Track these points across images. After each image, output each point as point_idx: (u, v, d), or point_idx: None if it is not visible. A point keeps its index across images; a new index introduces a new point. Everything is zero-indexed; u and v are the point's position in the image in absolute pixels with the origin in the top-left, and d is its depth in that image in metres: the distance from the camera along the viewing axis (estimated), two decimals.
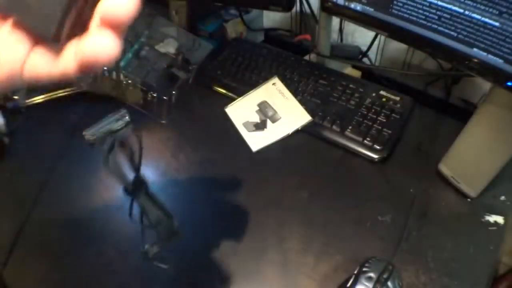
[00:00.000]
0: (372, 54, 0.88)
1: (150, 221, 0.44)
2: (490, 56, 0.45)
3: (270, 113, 0.70)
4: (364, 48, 0.85)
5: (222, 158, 0.65)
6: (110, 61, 0.23)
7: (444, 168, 0.59)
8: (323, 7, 0.64)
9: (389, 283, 0.44)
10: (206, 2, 0.88)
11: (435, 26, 0.50)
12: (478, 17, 0.44)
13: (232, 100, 0.73)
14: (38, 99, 0.74)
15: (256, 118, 0.70)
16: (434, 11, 0.49)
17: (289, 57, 0.78)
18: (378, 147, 0.62)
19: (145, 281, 0.51)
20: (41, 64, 0.26)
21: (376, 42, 0.83)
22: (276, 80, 0.73)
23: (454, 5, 0.46)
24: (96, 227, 0.57)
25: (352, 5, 0.59)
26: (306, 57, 0.81)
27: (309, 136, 0.67)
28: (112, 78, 0.71)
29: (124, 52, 0.76)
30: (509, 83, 0.44)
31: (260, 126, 0.69)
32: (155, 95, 0.72)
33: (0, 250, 0.53)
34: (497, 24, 0.43)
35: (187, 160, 0.66)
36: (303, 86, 0.72)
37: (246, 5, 0.86)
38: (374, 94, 0.69)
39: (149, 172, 0.64)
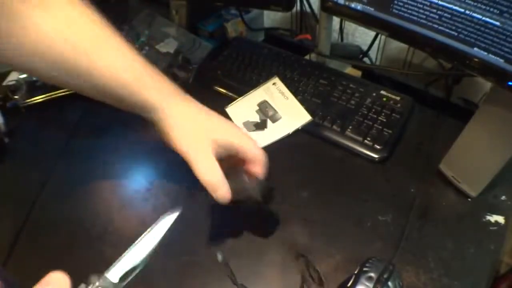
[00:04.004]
0: (372, 53, 0.89)
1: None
2: (491, 55, 0.45)
3: (270, 113, 0.70)
4: (364, 48, 0.85)
5: None
6: None
7: (445, 167, 0.59)
8: (323, 6, 0.64)
9: (389, 283, 0.43)
10: (206, 2, 0.88)
11: (436, 26, 0.50)
12: (479, 16, 0.44)
13: (232, 99, 0.73)
14: (38, 99, 0.74)
15: (256, 118, 0.70)
16: (434, 10, 0.49)
17: (290, 57, 0.78)
18: (378, 147, 0.62)
19: (146, 280, 0.51)
20: None
21: (376, 42, 0.83)
22: (276, 79, 0.73)
23: (455, 5, 0.46)
24: (96, 227, 0.57)
25: (353, 5, 0.59)
26: (307, 57, 0.81)
27: (310, 136, 0.67)
28: None
29: None
30: (510, 83, 0.44)
31: (260, 125, 0.69)
32: None
33: (0, 250, 0.53)
34: (497, 23, 0.43)
35: None
36: (303, 85, 0.72)
37: (246, 5, 0.86)
38: (374, 94, 0.69)
39: (149, 172, 0.64)
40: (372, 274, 0.44)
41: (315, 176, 0.62)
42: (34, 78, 0.72)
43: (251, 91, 0.73)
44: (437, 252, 0.51)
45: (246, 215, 0.57)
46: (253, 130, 0.68)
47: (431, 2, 0.49)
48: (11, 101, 0.72)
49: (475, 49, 0.47)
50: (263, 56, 0.79)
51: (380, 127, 0.64)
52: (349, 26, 0.91)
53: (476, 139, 0.54)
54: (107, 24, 0.46)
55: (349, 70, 0.80)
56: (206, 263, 0.52)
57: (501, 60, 0.44)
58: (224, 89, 0.76)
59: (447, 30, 0.49)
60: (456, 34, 0.48)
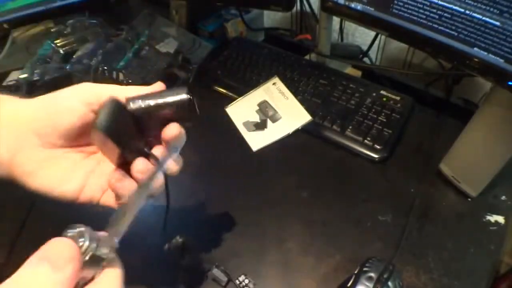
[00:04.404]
0: (372, 53, 0.88)
1: None
2: (490, 55, 0.45)
3: (270, 113, 0.70)
4: (364, 48, 0.85)
5: (222, 158, 0.65)
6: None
7: (445, 167, 0.59)
8: (324, 6, 0.64)
9: (389, 283, 0.43)
10: (206, 2, 0.88)
11: (436, 26, 0.50)
12: (479, 16, 0.44)
13: (232, 99, 0.73)
14: None
15: (256, 118, 0.70)
16: (434, 10, 0.49)
17: (290, 57, 0.78)
18: (378, 147, 0.62)
19: (145, 281, 0.51)
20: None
21: (376, 42, 0.83)
22: (276, 79, 0.73)
23: (455, 5, 0.46)
24: (96, 227, 0.56)
25: (353, 5, 0.58)
26: (307, 57, 0.81)
27: (310, 136, 0.67)
28: (112, 78, 0.71)
29: (124, 51, 0.76)
30: (510, 83, 0.44)
31: (260, 125, 0.69)
32: None
33: (0, 250, 0.53)
34: (497, 23, 0.43)
35: (187, 159, 0.65)
36: (303, 85, 0.72)
37: (246, 5, 0.86)
38: (374, 94, 0.69)
39: None
40: (372, 274, 0.44)
41: (314, 176, 0.62)
42: (35, 78, 0.72)
43: (251, 91, 0.73)
44: (437, 252, 0.51)
45: (246, 215, 0.57)
46: (253, 130, 0.68)
47: (431, 2, 0.49)
48: None
49: (475, 49, 0.47)
50: (263, 56, 0.79)
51: (380, 127, 0.64)
52: (349, 26, 0.90)
53: (476, 139, 0.54)
54: None
55: (349, 70, 0.80)
56: (205, 264, 0.52)
57: (501, 60, 0.44)
58: (224, 89, 0.76)
59: (447, 30, 0.49)
60: (456, 34, 0.48)
